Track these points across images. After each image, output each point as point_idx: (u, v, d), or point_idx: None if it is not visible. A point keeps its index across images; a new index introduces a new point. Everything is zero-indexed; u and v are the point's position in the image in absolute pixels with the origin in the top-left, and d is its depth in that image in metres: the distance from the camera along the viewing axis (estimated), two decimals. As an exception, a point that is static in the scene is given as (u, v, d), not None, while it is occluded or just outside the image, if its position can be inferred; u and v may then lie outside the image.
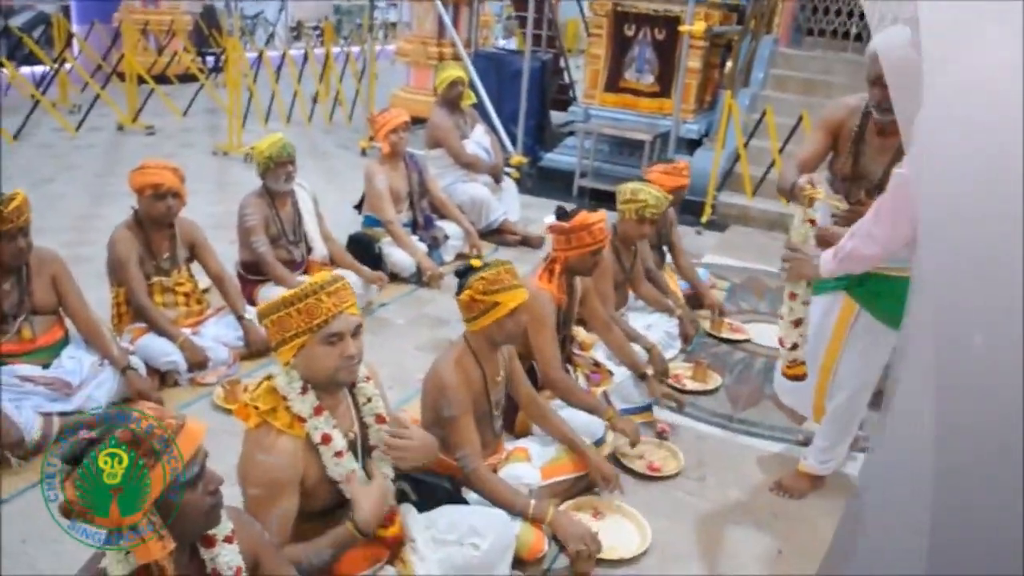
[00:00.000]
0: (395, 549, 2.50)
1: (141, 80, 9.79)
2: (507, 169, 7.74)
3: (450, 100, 6.11)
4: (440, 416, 2.80)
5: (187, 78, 11.79)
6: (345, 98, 10.80)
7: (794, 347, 2.90)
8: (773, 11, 8.35)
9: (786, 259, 2.79)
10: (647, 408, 3.80)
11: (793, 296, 2.84)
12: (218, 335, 4.14)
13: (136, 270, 3.92)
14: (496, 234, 6.17)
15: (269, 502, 2.20)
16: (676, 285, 5.03)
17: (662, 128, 7.57)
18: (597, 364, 3.73)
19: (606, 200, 4.21)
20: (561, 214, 3.43)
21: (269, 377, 2.30)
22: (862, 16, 8.23)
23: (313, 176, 7.93)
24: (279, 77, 10.45)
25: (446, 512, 2.67)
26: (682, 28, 6.96)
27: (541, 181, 8.14)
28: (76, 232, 6.01)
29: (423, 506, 2.67)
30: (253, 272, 4.62)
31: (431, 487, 2.78)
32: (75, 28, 11.87)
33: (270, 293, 4.55)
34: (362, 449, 2.41)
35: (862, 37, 8.32)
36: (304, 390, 2.27)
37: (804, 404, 3.42)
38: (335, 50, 11.61)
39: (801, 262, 2.74)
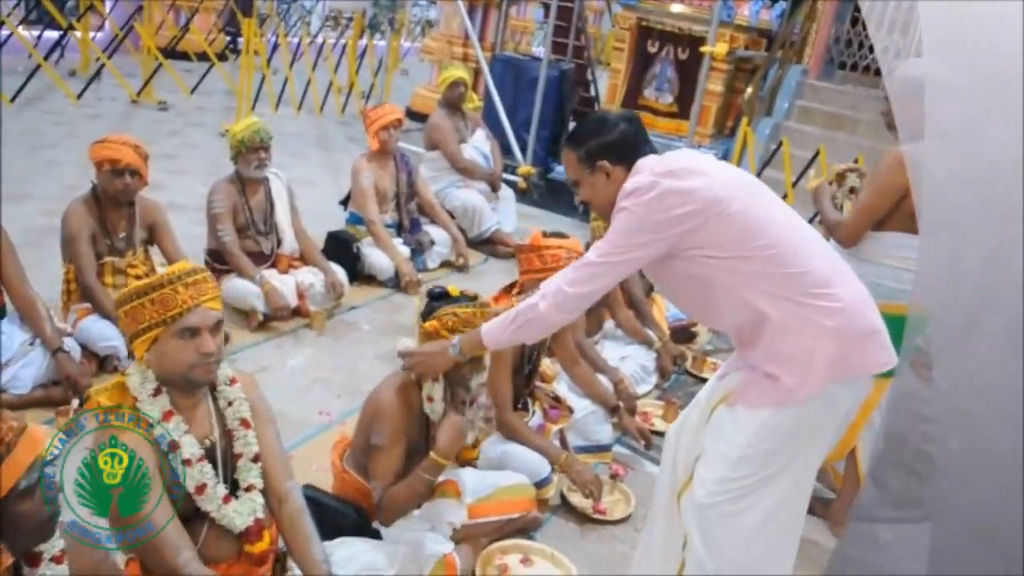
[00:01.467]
0: (270, 567, 2.28)
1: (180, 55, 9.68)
2: (513, 178, 7.56)
3: (451, 101, 5.90)
4: (368, 442, 2.58)
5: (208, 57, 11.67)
6: (377, 92, 10.66)
7: None
8: (805, 40, 8.07)
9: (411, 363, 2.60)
10: (606, 448, 3.55)
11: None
12: (167, 324, 3.94)
13: (86, 247, 3.73)
14: (488, 244, 5.95)
15: None
16: (663, 315, 4.77)
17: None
18: (557, 399, 3.48)
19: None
20: (549, 234, 3.20)
21: (124, 373, 2.12)
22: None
23: (316, 167, 7.80)
24: (294, 63, 10.31)
25: (348, 543, 2.45)
26: (704, 49, 6.71)
27: (549, 193, 7.90)
28: (61, 202, 5.75)
29: (328, 535, 2.44)
30: (219, 261, 4.44)
31: (338, 515, 2.56)
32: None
33: (234, 284, 4.36)
34: (223, 456, 2.19)
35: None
36: (157, 391, 2.08)
37: None
38: (363, 43, 11.48)
39: (429, 355, 2.55)
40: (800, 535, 2.33)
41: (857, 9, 8.47)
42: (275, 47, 10.29)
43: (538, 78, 7.74)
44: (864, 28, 8.34)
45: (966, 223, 1.40)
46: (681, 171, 2.11)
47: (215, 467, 2.17)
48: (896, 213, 2.94)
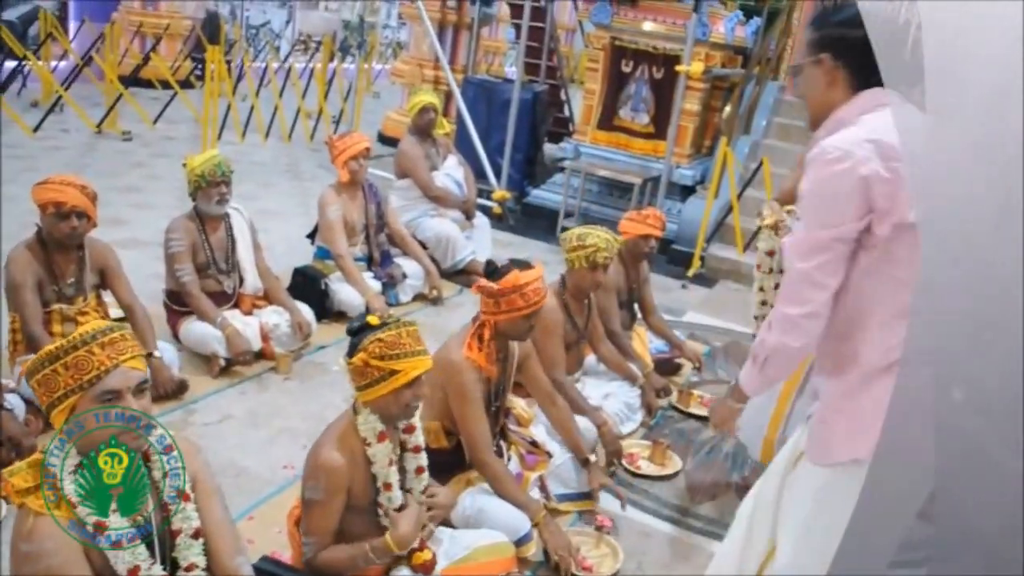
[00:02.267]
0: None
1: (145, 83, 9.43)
2: (489, 204, 7.37)
3: (421, 127, 5.71)
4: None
5: (179, 84, 11.43)
6: (347, 116, 10.43)
7: None
8: (781, 56, 7.95)
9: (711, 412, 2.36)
10: (589, 496, 3.34)
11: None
12: (122, 373, 3.70)
13: (31, 295, 3.50)
14: (463, 275, 5.74)
15: None
16: (645, 348, 4.58)
17: (655, 171, 7.15)
18: (535, 444, 3.27)
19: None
20: (491, 271, 2.98)
21: (43, 450, 1.89)
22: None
23: (285, 198, 7.58)
24: (260, 89, 10.09)
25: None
26: (679, 68, 6.56)
27: (526, 219, 7.72)
28: (11, 241, 5.60)
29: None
30: (178, 303, 4.21)
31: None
32: (72, 25, 11.62)
33: (193, 327, 4.14)
34: (160, 532, 1.97)
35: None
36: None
37: (755, 443, 3.10)
38: (333, 67, 11.28)
39: (722, 411, 2.25)
40: None
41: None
42: (241, 74, 10.06)
43: (511, 100, 7.58)
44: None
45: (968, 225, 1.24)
46: (893, 146, 1.68)
47: (151, 546, 1.96)
48: None
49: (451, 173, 5.78)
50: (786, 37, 7.79)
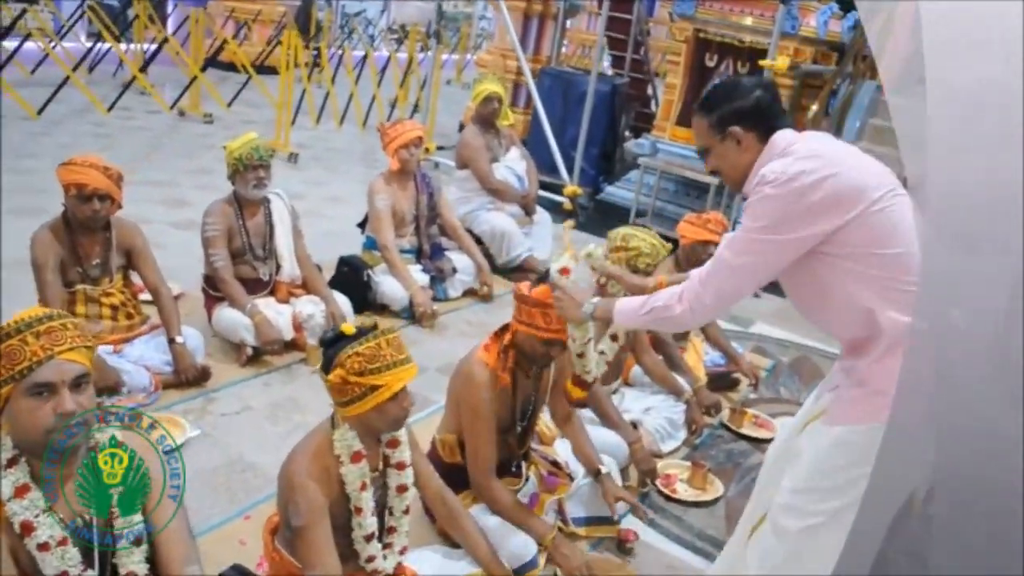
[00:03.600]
0: None
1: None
2: (559, 199, 7.13)
3: (484, 117, 5.50)
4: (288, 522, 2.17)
5: (268, 70, 11.50)
6: (423, 105, 10.33)
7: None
8: (879, 54, 7.40)
9: (554, 297, 2.56)
10: (613, 521, 3.07)
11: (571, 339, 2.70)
12: (144, 357, 3.61)
13: (52, 276, 3.42)
14: (519, 272, 5.49)
15: None
16: (700, 359, 4.27)
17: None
18: (556, 464, 3.00)
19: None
20: (542, 277, 2.74)
21: None
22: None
23: (352, 184, 7.48)
24: (336, 77, 10.05)
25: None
26: (763, 63, 6.15)
27: (598, 216, 7.42)
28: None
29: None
30: (214, 288, 4.11)
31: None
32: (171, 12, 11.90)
33: (224, 314, 4.03)
34: (101, 539, 1.81)
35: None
36: (12, 461, 1.74)
37: None
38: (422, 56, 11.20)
39: (567, 304, 2.51)
40: None
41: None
42: (339, 60, 10.07)
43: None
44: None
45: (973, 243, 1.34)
46: (826, 157, 1.98)
47: (88, 552, 1.81)
48: None
49: (512, 166, 5.55)
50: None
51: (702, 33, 6.96)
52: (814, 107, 6.64)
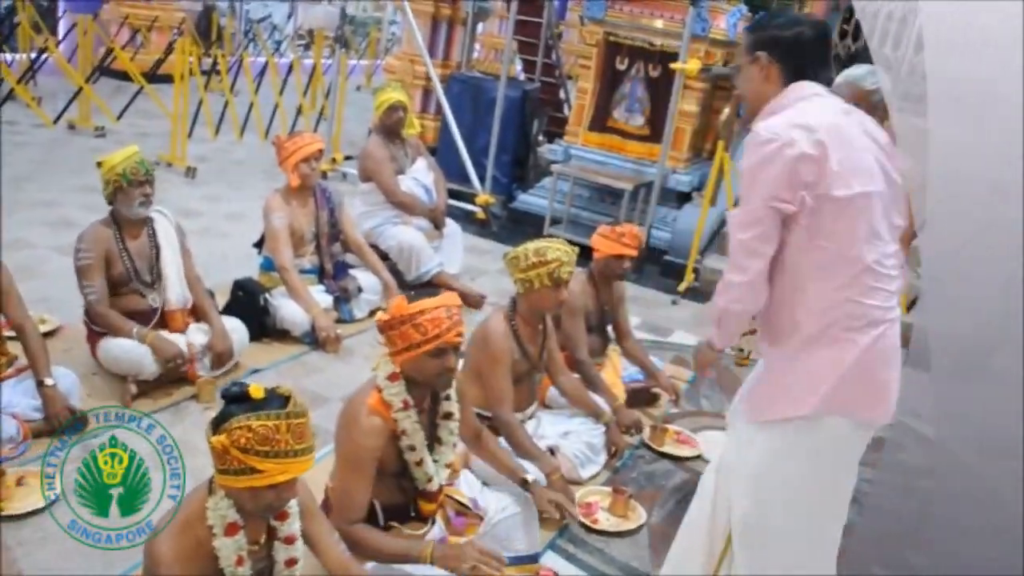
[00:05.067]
0: None
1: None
2: (472, 208, 6.92)
3: (389, 127, 5.25)
4: None
5: (166, 79, 10.96)
6: (329, 113, 9.97)
7: None
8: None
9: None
10: (532, 559, 2.86)
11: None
12: (10, 403, 3.25)
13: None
14: (428, 287, 5.24)
15: None
16: (618, 376, 4.10)
17: (648, 176, 6.63)
18: (463, 505, 2.77)
19: (580, 255, 3.39)
20: (414, 295, 2.50)
21: None
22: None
23: (254, 201, 7.08)
24: (232, 85, 9.64)
25: None
26: (674, 65, 6.05)
27: (511, 224, 7.24)
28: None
29: None
30: (95, 321, 3.76)
31: None
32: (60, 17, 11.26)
33: (109, 346, 3.70)
34: None
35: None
36: None
37: None
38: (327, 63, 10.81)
39: (702, 355, 2.50)
40: None
41: (846, 20, 7.85)
42: (238, 68, 9.63)
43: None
44: (854, 41, 7.71)
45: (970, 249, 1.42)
46: (813, 131, 1.97)
47: None
48: None
49: (419, 177, 5.30)
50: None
51: (612, 36, 6.83)
52: (727, 109, 6.54)
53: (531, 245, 3.23)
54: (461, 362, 3.41)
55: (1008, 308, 1.78)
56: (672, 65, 6.10)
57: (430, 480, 2.61)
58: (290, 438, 1.86)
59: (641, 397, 4.19)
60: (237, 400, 1.91)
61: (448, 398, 2.68)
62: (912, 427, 2.12)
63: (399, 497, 2.62)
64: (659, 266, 6.41)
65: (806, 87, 2.08)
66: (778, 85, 2.11)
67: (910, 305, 4.58)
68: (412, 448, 2.53)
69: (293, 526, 2.13)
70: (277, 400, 1.90)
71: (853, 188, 1.99)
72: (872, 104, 2.93)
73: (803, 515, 2.17)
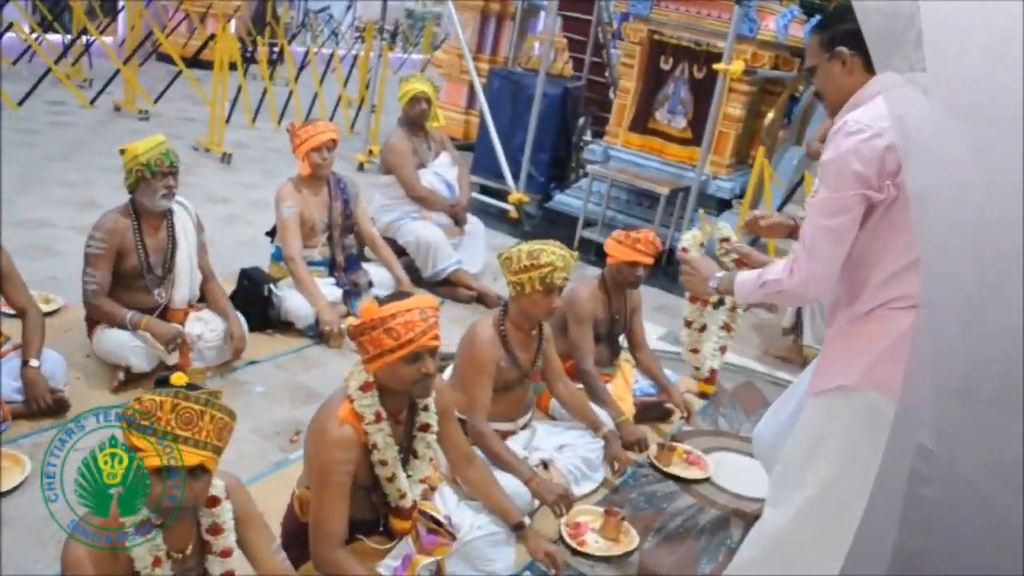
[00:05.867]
0: None
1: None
2: (505, 207, 6.76)
3: (412, 119, 5.11)
4: None
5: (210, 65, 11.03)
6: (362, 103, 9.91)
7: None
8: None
9: (682, 271, 2.54)
10: (510, 582, 2.69)
11: (688, 324, 2.88)
12: (-7, 383, 3.19)
13: None
14: (447, 286, 5.10)
15: None
16: (628, 387, 3.89)
17: (687, 181, 6.39)
18: (436, 521, 2.60)
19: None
20: (385, 298, 2.36)
21: None
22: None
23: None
24: (272, 73, 9.61)
25: None
26: (717, 66, 5.80)
27: (545, 225, 7.05)
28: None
29: None
30: (95, 311, 3.68)
31: None
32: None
33: (107, 335, 3.62)
34: None
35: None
36: None
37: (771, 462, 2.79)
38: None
39: (695, 279, 2.48)
40: None
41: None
42: (304, 58, 9.62)
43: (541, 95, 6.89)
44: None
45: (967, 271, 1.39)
46: (900, 120, 1.87)
47: None
48: None
49: (441, 172, 5.16)
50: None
51: (657, 35, 6.60)
52: (771, 114, 6.28)
53: (526, 246, 3.05)
54: (449, 370, 3.29)
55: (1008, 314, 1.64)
56: (714, 66, 5.86)
57: (403, 496, 2.46)
58: (174, 419, 1.76)
59: (652, 412, 3.98)
60: (162, 384, 1.85)
61: (427, 408, 2.52)
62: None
63: (369, 512, 2.49)
64: (693, 275, 6.16)
65: (888, 79, 2.01)
66: (861, 76, 2.11)
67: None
68: (384, 463, 2.39)
69: (228, 539, 2.02)
70: (191, 388, 1.84)
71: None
72: None
73: (831, 487, 2.13)
